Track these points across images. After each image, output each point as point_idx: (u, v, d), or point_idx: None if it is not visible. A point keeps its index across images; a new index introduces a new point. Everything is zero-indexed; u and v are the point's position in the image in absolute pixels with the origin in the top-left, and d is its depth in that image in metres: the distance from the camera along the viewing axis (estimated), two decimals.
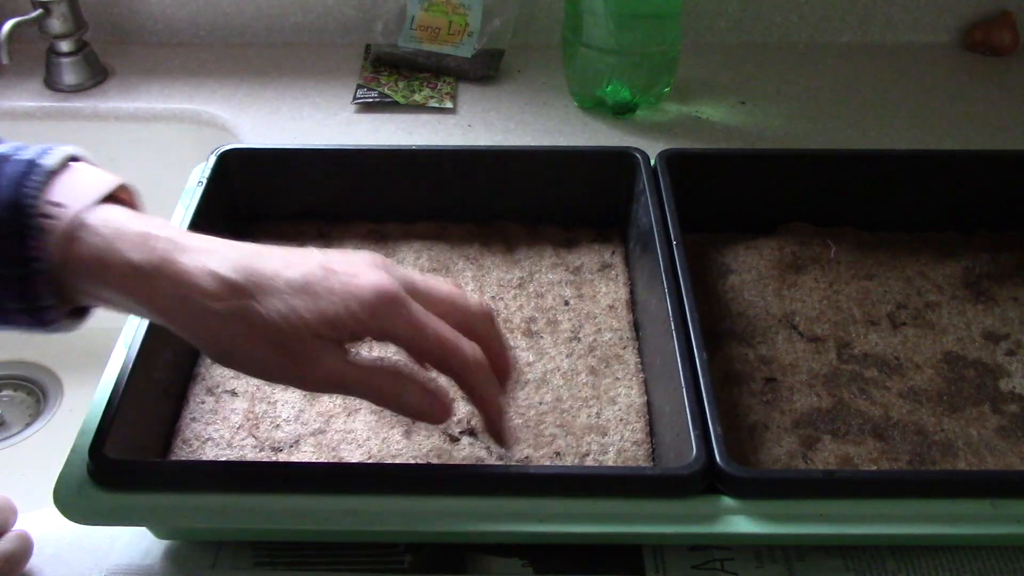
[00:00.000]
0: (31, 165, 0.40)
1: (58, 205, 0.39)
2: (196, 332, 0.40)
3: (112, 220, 0.40)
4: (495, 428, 0.47)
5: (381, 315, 0.41)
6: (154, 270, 0.39)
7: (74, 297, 0.41)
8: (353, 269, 0.42)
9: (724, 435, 0.45)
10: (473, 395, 0.45)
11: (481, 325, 0.46)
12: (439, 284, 0.45)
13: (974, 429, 0.52)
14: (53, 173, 0.40)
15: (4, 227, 0.38)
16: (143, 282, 0.40)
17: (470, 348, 0.44)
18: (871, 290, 0.61)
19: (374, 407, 0.52)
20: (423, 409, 0.44)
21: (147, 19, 0.92)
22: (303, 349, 0.40)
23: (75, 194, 0.40)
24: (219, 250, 0.41)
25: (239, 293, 0.40)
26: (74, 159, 0.43)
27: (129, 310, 0.41)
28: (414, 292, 0.43)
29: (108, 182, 0.42)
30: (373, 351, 0.55)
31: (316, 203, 0.66)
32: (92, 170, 0.43)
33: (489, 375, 0.45)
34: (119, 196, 0.43)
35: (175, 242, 0.40)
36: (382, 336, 0.42)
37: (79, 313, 0.43)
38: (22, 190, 0.39)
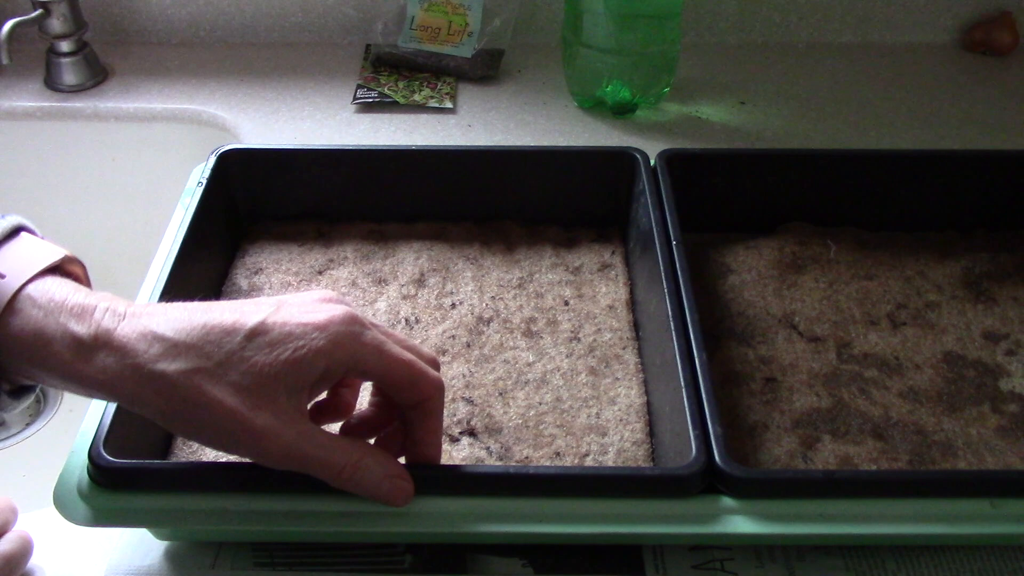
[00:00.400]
0: None
1: (1, 276, 0.38)
2: (145, 400, 0.38)
3: (52, 292, 0.39)
4: (429, 457, 0.44)
5: (344, 344, 0.39)
6: (94, 342, 0.38)
7: (13, 376, 0.40)
8: (308, 308, 0.40)
9: (724, 435, 0.45)
10: (427, 422, 0.43)
11: (434, 363, 0.44)
12: (385, 329, 0.43)
13: (974, 429, 0.52)
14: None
15: None
16: (82, 358, 0.38)
17: (434, 372, 0.42)
18: (871, 290, 0.61)
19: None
20: (385, 488, 0.42)
21: (147, 19, 0.92)
22: (261, 408, 0.38)
23: (18, 265, 0.39)
24: (165, 312, 0.39)
25: (190, 351, 0.38)
26: (21, 229, 0.42)
27: (74, 387, 0.39)
28: (372, 326, 0.42)
29: (52, 253, 0.41)
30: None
31: (316, 203, 0.66)
32: (39, 242, 0.41)
33: (441, 403, 0.43)
34: (67, 269, 0.42)
35: (116, 312, 0.39)
36: (349, 367, 0.40)
37: (21, 392, 0.42)
38: None
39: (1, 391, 0.40)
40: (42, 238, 0.43)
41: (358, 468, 0.41)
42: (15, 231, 0.41)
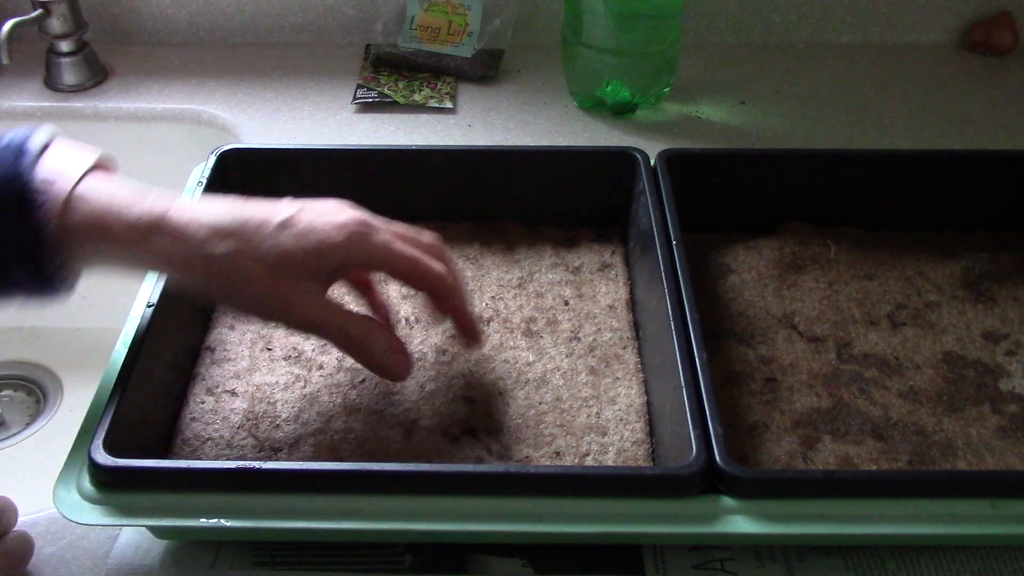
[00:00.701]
0: (20, 149, 0.44)
1: (49, 182, 0.44)
2: (196, 276, 0.46)
3: (101, 188, 0.45)
4: (470, 330, 0.52)
5: (358, 242, 0.47)
6: (149, 227, 0.45)
7: (82, 264, 0.46)
8: (328, 208, 0.47)
9: (724, 435, 0.45)
10: (445, 304, 0.51)
11: (437, 251, 0.51)
12: (393, 224, 0.50)
13: (974, 429, 0.52)
14: (40, 155, 0.45)
15: (11, 205, 0.43)
16: (142, 238, 0.44)
17: (437, 263, 0.49)
18: (871, 290, 0.61)
19: (373, 407, 0.52)
20: (386, 360, 0.48)
21: (147, 19, 0.92)
22: (291, 285, 0.46)
23: (63, 170, 0.45)
24: (210, 203, 0.46)
25: (232, 236, 0.45)
26: (53, 139, 0.47)
27: (131, 265, 0.47)
28: (382, 223, 0.49)
29: (90, 156, 0.47)
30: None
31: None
32: (71, 148, 0.47)
33: (456, 286, 0.51)
34: (101, 166, 0.48)
35: (167, 199, 0.46)
36: (362, 261, 0.48)
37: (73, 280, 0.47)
38: (18, 171, 0.43)
39: (69, 274, 0.46)
40: (72, 143, 0.48)
41: (366, 339, 0.48)
42: (50, 140, 0.46)
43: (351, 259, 0.47)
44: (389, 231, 0.49)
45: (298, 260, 0.45)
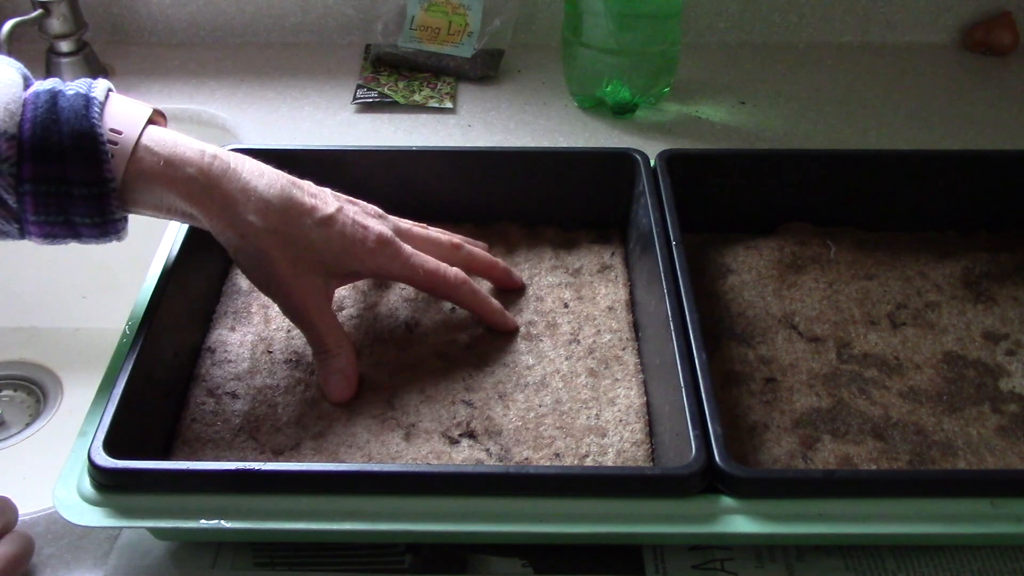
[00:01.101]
0: (87, 99, 0.46)
1: (118, 132, 0.47)
2: (233, 237, 0.49)
3: (164, 140, 0.48)
4: (496, 321, 0.57)
5: (379, 258, 0.53)
6: (209, 185, 0.48)
7: (134, 208, 0.48)
8: (362, 219, 0.53)
9: (724, 435, 0.45)
10: (467, 306, 0.57)
11: (455, 254, 0.58)
12: (419, 230, 0.57)
13: (974, 429, 0.52)
14: (103, 104, 0.47)
15: (82, 154, 0.45)
16: (200, 193, 0.48)
17: (452, 273, 0.55)
18: (871, 290, 0.61)
19: (374, 412, 0.52)
20: (336, 379, 0.52)
21: (147, 19, 0.92)
22: (308, 270, 0.51)
23: (127, 121, 0.48)
24: (264, 174, 0.50)
25: (275, 215, 0.49)
26: (110, 90, 0.49)
27: (182, 216, 0.49)
28: (403, 236, 0.55)
29: (147, 108, 0.49)
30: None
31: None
32: (128, 100, 0.50)
33: (472, 288, 0.56)
34: (154, 119, 0.50)
35: (225, 160, 0.49)
36: (379, 273, 0.54)
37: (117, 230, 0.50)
38: (89, 121, 0.46)
39: (122, 226, 0.48)
40: (124, 94, 0.50)
41: (331, 354, 0.52)
42: (108, 92, 0.49)
43: (366, 270, 0.53)
44: (409, 250, 0.54)
45: (321, 258, 0.51)
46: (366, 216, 0.53)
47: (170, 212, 0.49)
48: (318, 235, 0.50)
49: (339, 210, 0.52)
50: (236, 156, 0.50)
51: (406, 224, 0.57)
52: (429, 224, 0.65)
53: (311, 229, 0.50)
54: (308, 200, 0.51)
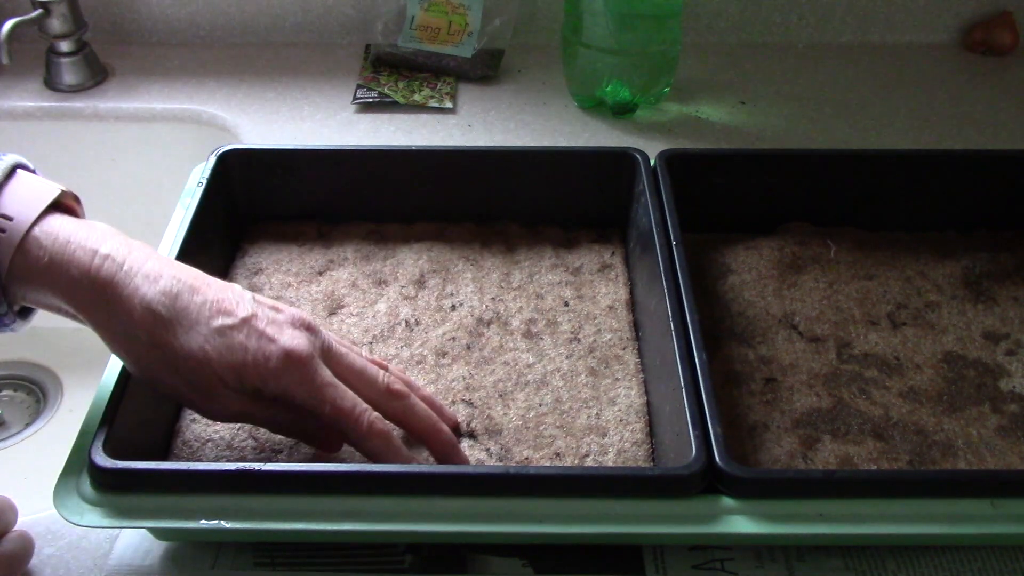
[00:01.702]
0: None
1: (8, 218, 0.42)
2: (122, 353, 0.44)
3: (58, 232, 0.43)
4: (444, 456, 0.48)
5: (284, 379, 0.44)
6: (94, 290, 0.42)
7: (20, 302, 0.44)
8: (273, 330, 0.44)
9: (724, 435, 0.45)
10: (364, 447, 0.46)
11: (388, 403, 0.47)
12: (354, 358, 0.47)
13: (974, 429, 0.52)
14: (2, 185, 0.43)
15: None
16: (84, 298, 0.43)
17: (367, 421, 0.45)
18: (871, 290, 0.61)
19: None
20: (319, 438, 0.48)
21: (147, 19, 0.92)
22: (208, 387, 0.44)
23: (23, 205, 0.43)
24: (160, 276, 0.44)
25: (165, 328, 0.43)
26: (18, 166, 0.45)
27: (69, 316, 0.44)
28: (328, 358, 0.46)
29: (52, 190, 0.44)
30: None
31: (316, 203, 0.65)
32: (36, 179, 0.45)
33: (388, 446, 0.46)
34: (63, 203, 0.45)
35: (118, 263, 0.43)
36: (283, 394, 0.44)
37: (25, 313, 0.46)
38: None
39: (12, 316, 0.44)
40: (36, 172, 0.46)
41: (295, 424, 0.47)
42: (12, 170, 0.44)
43: (275, 391, 0.44)
44: (324, 377, 0.45)
45: (220, 371, 0.43)
46: (282, 327, 0.45)
47: (57, 311, 0.44)
48: (213, 347, 0.43)
49: (247, 319, 0.44)
50: (137, 256, 0.44)
51: (341, 347, 0.47)
52: (429, 225, 0.66)
53: (207, 338, 0.43)
54: (207, 308, 0.44)
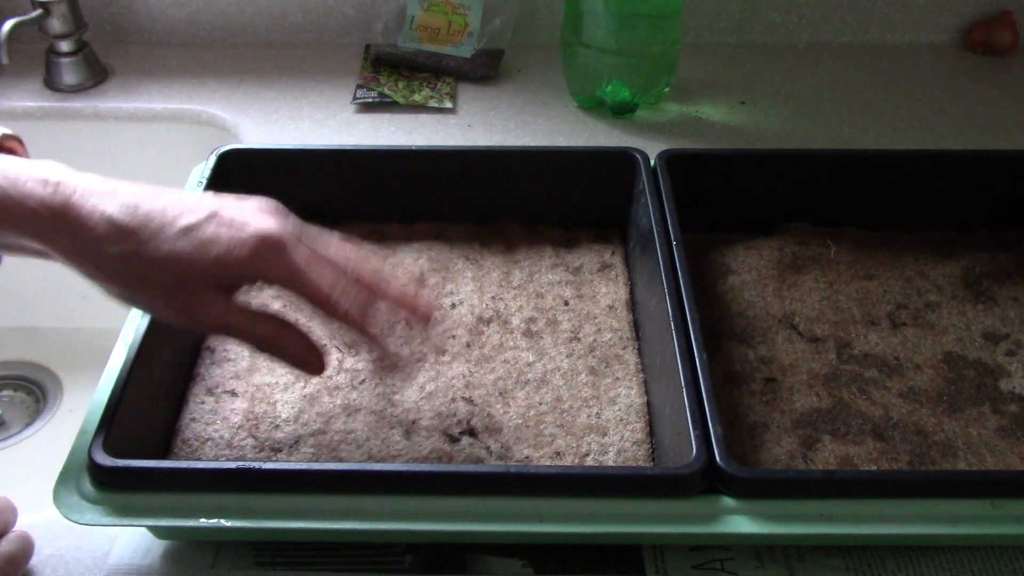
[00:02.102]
0: None
1: None
2: (95, 274, 0.43)
3: (5, 169, 0.42)
4: (384, 363, 0.48)
5: (261, 260, 0.43)
6: (53, 216, 0.41)
7: None
8: (243, 216, 0.44)
9: (724, 435, 0.45)
10: (359, 337, 0.46)
11: (370, 274, 0.47)
12: (327, 237, 0.47)
13: (974, 429, 0.52)
14: None
15: None
16: (44, 227, 0.42)
17: (346, 301, 0.45)
18: (871, 290, 0.61)
19: (373, 407, 0.52)
20: (301, 357, 0.46)
21: (147, 19, 0.92)
22: (189, 291, 0.43)
23: None
24: (116, 192, 0.43)
25: (130, 236, 0.42)
26: None
27: (36, 253, 0.43)
28: (305, 239, 0.45)
29: None
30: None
31: (316, 203, 0.65)
32: None
33: (367, 320, 0.46)
34: (6, 145, 0.45)
35: (71, 187, 0.42)
36: (262, 279, 0.44)
37: None
38: None
39: None
40: None
41: (278, 339, 0.46)
42: None
43: (253, 275, 0.44)
44: (306, 250, 0.45)
45: (195, 270, 0.42)
46: (254, 212, 0.44)
47: (22, 251, 0.43)
48: (184, 245, 0.42)
49: (213, 213, 0.43)
50: (89, 178, 0.43)
51: (315, 230, 0.47)
52: (429, 225, 0.66)
53: (175, 239, 0.42)
54: (170, 211, 0.43)
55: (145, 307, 0.44)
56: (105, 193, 0.43)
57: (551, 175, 0.64)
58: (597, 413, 0.52)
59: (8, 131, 0.45)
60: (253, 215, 0.44)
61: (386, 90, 0.84)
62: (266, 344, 0.46)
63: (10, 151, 0.45)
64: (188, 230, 0.43)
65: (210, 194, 0.45)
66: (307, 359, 0.46)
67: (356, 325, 0.45)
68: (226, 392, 0.53)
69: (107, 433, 0.44)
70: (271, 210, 0.45)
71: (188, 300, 0.43)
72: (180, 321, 0.44)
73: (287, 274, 0.44)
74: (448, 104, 0.83)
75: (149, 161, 0.86)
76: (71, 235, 0.42)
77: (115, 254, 0.42)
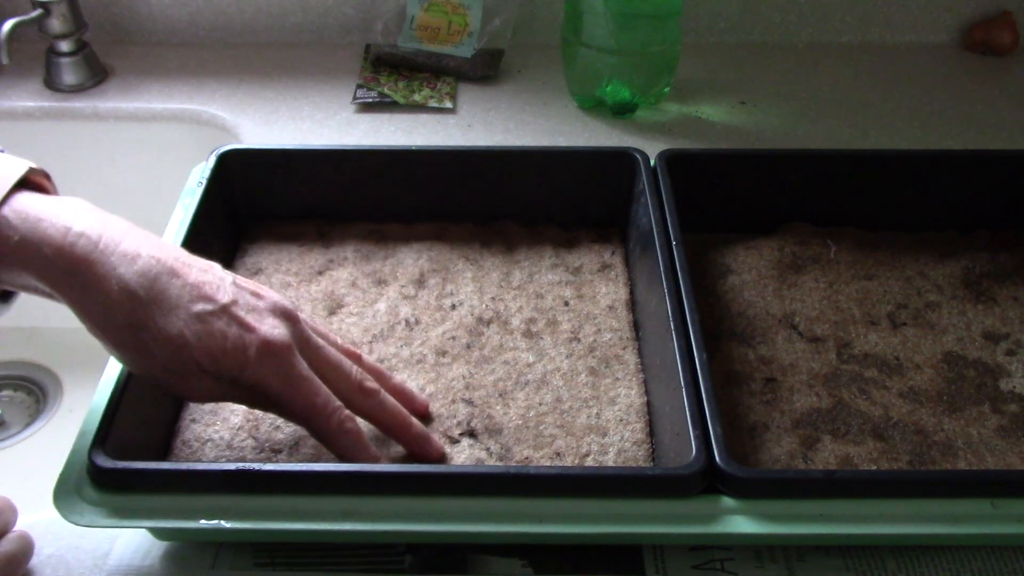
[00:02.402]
0: None
1: None
2: (99, 332, 0.42)
3: (28, 210, 0.41)
4: (418, 452, 0.49)
5: (260, 369, 0.44)
6: (68, 270, 0.41)
7: None
8: (253, 319, 0.44)
9: (724, 435, 0.45)
10: (333, 445, 0.46)
11: (358, 400, 0.47)
12: (330, 352, 0.47)
13: (974, 429, 0.52)
14: None
15: None
16: (57, 276, 0.41)
17: (337, 418, 0.45)
18: (871, 290, 0.61)
19: None
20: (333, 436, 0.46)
21: (147, 19, 0.92)
22: (185, 371, 0.43)
23: None
24: (139, 255, 0.42)
25: (141, 310, 0.42)
26: None
27: (45, 295, 0.43)
28: (305, 350, 0.46)
29: (18, 167, 0.42)
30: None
31: (316, 203, 0.65)
32: (1, 157, 0.43)
33: (356, 443, 0.46)
34: (32, 180, 0.44)
35: (92, 240, 0.41)
36: (256, 385, 0.44)
37: (5, 297, 0.45)
38: None
39: None
40: (2, 151, 0.44)
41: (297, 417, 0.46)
42: None
43: (251, 381, 0.44)
44: (301, 370, 0.45)
45: (195, 358, 0.42)
46: (262, 315, 0.44)
47: (37, 292, 0.43)
48: (192, 332, 0.42)
49: (227, 305, 0.43)
50: (113, 232, 0.42)
51: (319, 339, 0.47)
52: (429, 225, 0.66)
53: (184, 325, 0.42)
54: (186, 291, 0.43)
55: (143, 373, 0.44)
56: (126, 255, 0.42)
57: (551, 175, 0.64)
58: (597, 413, 0.52)
59: (34, 165, 0.43)
60: (264, 319, 0.44)
61: (386, 90, 0.84)
62: (262, 408, 0.47)
63: (37, 186, 0.44)
64: (200, 318, 0.43)
65: (230, 280, 0.45)
66: (349, 448, 0.46)
67: (346, 441, 0.46)
68: None
69: (107, 434, 0.44)
70: (282, 314, 0.45)
71: (186, 376, 0.43)
72: (176, 391, 0.45)
73: (283, 384, 0.44)
74: (448, 104, 0.83)
75: (149, 161, 0.86)
76: (83, 292, 0.41)
77: (124, 323, 0.42)
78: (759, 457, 0.50)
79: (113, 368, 0.49)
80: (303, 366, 0.45)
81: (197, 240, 0.56)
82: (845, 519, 0.43)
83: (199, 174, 0.62)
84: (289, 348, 0.44)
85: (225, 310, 0.43)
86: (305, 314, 0.48)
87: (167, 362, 0.42)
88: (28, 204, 0.41)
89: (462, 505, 0.43)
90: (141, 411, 0.48)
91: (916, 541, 0.48)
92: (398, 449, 0.50)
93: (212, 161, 0.62)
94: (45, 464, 0.77)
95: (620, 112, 0.82)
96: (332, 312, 0.59)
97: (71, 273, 0.41)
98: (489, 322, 0.58)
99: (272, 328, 0.44)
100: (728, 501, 0.43)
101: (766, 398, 0.54)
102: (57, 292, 0.42)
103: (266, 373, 0.44)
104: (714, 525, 0.43)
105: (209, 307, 0.43)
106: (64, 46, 0.84)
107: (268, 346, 0.43)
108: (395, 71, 0.88)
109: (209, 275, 0.45)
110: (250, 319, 0.44)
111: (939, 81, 0.88)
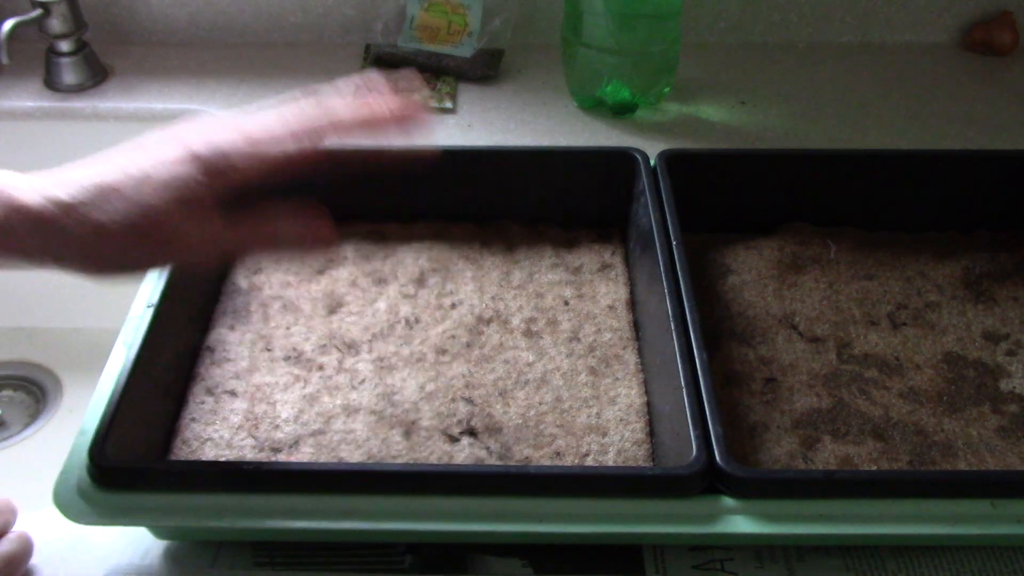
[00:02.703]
0: None
1: None
2: (63, 256, 0.41)
3: None
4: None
5: (231, 154, 0.43)
6: (52, 220, 0.40)
7: None
8: (160, 147, 0.44)
9: (724, 435, 0.45)
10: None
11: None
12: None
13: (974, 429, 0.52)
14: None
15: None
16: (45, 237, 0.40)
17: (297, 141, 0.46)
18: (871, 290, 0.61)
19: (373, 407, 0.52)
20: (304, 236, 0.45)
21: (147, 19, 0.92)
22: (164, 227, 0.41)
23: None
24: (46, 177, 0.41)
25: (80, 207, 0.40)
26: None
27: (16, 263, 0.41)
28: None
29: None
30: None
31: (316, 202, 0.65)
32: None
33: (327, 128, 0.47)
34: None
35: (7, 182, 0.41)
36: (227, 163, 0.43)
37: None
38: None
39: None
40: None
41: (272, 229, 0.45)
42: None
43: (240, 164, 0.44)
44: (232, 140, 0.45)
45: (153, 203, 0.41)
46: (176, 135, 0.46)
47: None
48: (135, 191, 0.41)
49: (134, 152, 0.44)
50: (17, 175, 0.42)
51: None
52: (429, 225, 0.66)
53: (120, 193, 0.41)
54: (115, 178, 0.42)
55: (130, 265, 0.42)
56: (38, 181, 0.41)
57: (551, 175, 0.64)
58: (597, 413, 0.52)
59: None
60: (183, 136, 0.44)
61: None
62: (271, 243, 0.45)
63: None
64: (141, 179, 0.42)
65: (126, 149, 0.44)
66: (311, 235, 0.46)
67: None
68: (226, 392, 0.53)
69: (107, 433, 0.44)
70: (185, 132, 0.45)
71: (165, 239, 0.41)
72: (172, 262, 0.43)
73: (244, 166, 0.43)
74: (448, 104, 0.83)
75: None
76: (26, 227, 0.40)
77: (74, 225, 0.40)
78: (759, 457, 0.50)
79: (113, 368, 0.49)
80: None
81: None
82: (845, 519, 0.43)
83: None
84: (200, 151, 0.44)
85: (136, 150, 0.43)
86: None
87: (142, 230, 0.40)
88: None
89: (462, 504, 0.43)
90: (141, 411, 0.48)
91: (916, 541, 0.48)
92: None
93: None
94: (45, 464, 0.77)
95: (620, 112, 0.82)
96: (332, 311, 0.59)
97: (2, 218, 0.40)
98: (489, 321, 0.58)
99: (194, 133, 0.45)
100: (728, 501, 0.43)
101: (766, 398, 0.54)
102: (47, 257, 0.40)
103: (237, 154, 0.43)
104: (714, 525, 0.43)
105: (137, 169, 0.42)
106: (64, 46, 0.84)
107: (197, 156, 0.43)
108: (395, 71, 0.88)
109: (122, 155, 0.44)
110: (160, 149, 0.44)
111: (939, 81, 0.88)
